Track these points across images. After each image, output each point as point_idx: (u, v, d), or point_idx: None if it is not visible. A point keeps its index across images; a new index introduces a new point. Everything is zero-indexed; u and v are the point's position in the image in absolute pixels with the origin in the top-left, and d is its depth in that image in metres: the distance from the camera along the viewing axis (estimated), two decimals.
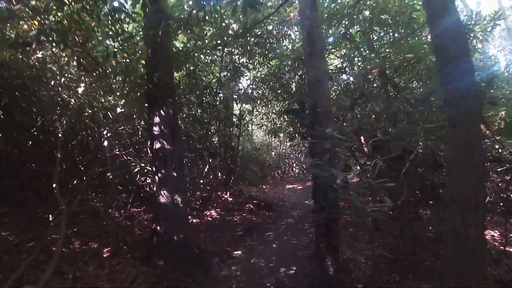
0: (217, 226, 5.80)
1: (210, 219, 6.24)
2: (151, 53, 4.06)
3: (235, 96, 8.80)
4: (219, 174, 8.30)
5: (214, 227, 5.70)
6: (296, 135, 8.07)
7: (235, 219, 6.44)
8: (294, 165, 16.40)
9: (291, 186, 13.56)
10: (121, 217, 5.58)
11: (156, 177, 3.75)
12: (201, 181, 7.41)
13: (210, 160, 7.72)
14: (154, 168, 3.82)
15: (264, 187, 12.95)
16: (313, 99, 3.68)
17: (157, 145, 3.78)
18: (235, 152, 10.20)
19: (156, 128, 3.81)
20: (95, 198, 5.99)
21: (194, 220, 5.93)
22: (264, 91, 9.03)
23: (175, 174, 3.70)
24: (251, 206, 7.39)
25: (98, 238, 4.50)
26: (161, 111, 3.82)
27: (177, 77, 7.22)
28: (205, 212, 6.57)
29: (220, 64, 7.27)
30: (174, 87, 4.52)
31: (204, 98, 7.11)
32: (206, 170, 7.55)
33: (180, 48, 6.27)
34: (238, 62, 7.60)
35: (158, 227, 3.72)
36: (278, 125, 10.36)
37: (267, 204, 7.80)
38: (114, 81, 5.23)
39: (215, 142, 8.78)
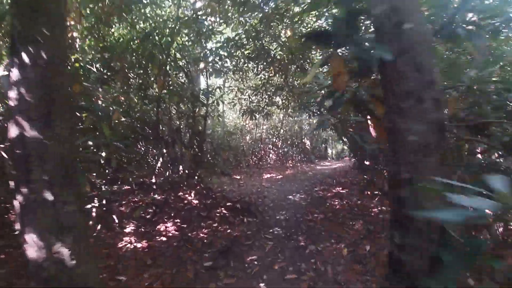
0: (172, 252, 3.87)
1: (164, 238, 4.29)
2: None
3: (201, 67, 6.69)
4: (181, 167, 6.27)
5: (167, 255, 3.76)
6: (293, 110, 6.24)
7: (201, 235, 4.53)
8: (271, 150, 14.65)
9: (268, 175, 11.83)
10: None
11: (17, 199, 1.74)
12: (153, 181, 5.36)
13: (165, 151, 5.65)
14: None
15: (238, 177, 11.11)
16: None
17: (14, 131, 1.74)
18: (202, 137, 8.19)
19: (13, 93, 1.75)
20: None
21: (138, 245, 3.95)
22: (239, 60, 6.99)
23: (48, 192, 1.70)
24: (224, 211, 5.51)
25: None
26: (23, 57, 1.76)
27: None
28: (158, 227, 4.60)
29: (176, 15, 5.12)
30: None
31: (153, 64, 4.96)
32: (160, 164, 5.50)
33: None
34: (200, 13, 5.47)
35: None
36: (255, 104, 8.42)
37: (245, 205, 5.96)
38: None
39: (177, 125, 6.70)
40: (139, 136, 5.18)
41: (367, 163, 7.91)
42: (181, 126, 6.93)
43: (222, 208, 5.57)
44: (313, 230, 4.91)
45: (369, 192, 6.93)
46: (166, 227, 4.66)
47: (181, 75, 5.98)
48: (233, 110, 10.84)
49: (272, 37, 6.08)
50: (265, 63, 6.29)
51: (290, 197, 7.55)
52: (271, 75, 6.95)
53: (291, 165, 15.38)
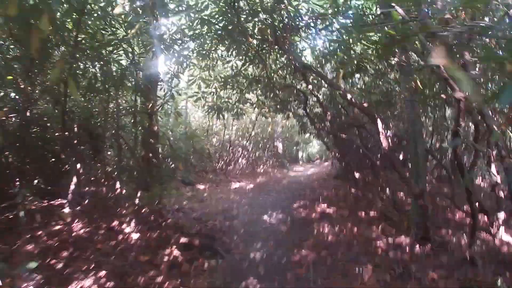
0: None
1: None
2: None
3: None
4: (117, 184, 4.47)
5: None
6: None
7: None
8: (241, 154, 13.06)
9: (238, 184, 10.25)
10: None
11: None
12: (64, 209, 3.53)
13: (89, 161, 3.83)
14: None
15: (202, 187, 9.39)
16: None
17: None
18: (155, 139, 6.39)
19: None
20: None
21: None
22: (207, 42, 5.30)
23: None
24: (176, 251, 3.82)
25: None
26: None
27: None
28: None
29: None
30: None
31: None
32: (77, 180, 3.68)
33: None
34: None
35: None
36: (223, 100, 6.76)
37: (206, 240, 4.32)
38: None
39: (115, 123, 4.87)
40: (40, 141, 3.32)
41: (357, 175, 6.62)
42: (122, 125, 5.12)
43: (174, 247, 3.87)
44: (304, 283, 3.40)
45: (364, 214, 5.60)
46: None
47: (120, 53, 4.17)
48: (197, 107, 9.07)
49: (250, 12, 4.47)
50: (240, 47, 4.68)
51: (266, 218, 6.03)
52: (246, 62, 5.35)
53: (262, 170, 13.92)
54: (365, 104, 3.91)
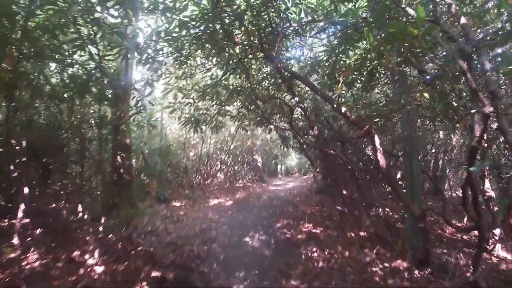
0: None
1: None
2: None
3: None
4: (80, 208, 3.82)
5: None
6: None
7: None
8: (219, 168, 12.50)
9: (216, 200, 9.66)
10: None
11: None
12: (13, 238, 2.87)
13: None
14: None
15: (179, 204, 8.72)
16: None
17: None
18: (128, 154, 5.78)
19: None
20: None
21: None
22: (185, 48, 4.84)
23: None
24: None
25: None
26: None
27: None
28: None
29: None
30: None
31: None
32: (24, 202, 3.03)
33: None
34: None
35: None
36: (201, 112, 6.27)
37: (183, 270, 3.74)
38: None
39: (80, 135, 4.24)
40: None
41: (344, 192, 6.31)
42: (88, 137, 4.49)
43: (144, 283, 3.26)
44: None
45: (353, 235, 5.25)
46: None
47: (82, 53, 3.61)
48: (173, 119, 8.49)
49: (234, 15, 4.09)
50: (222, 53, 4.25)
51: (247, 240, 5.52)
52: (227, 71, 4.92)
53: (241, 185, 13.38)
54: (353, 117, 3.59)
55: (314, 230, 5.72)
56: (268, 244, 5.22)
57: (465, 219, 5.72)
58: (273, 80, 5.65)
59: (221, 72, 5.44)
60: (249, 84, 5.16)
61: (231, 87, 5.89)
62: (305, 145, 6.49)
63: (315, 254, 4.57)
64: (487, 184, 4.59)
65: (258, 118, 7.29)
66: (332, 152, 4.84)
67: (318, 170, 9.03)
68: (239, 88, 5.91)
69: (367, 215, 5.95)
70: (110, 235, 4.08)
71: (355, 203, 6.28)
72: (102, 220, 3.87)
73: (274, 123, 7.54)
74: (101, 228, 3.76)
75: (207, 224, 6.60)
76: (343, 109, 3.40)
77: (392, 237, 4.80)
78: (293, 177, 20.53)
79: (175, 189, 10.41)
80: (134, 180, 8.13)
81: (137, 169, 9.12)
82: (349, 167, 5.82)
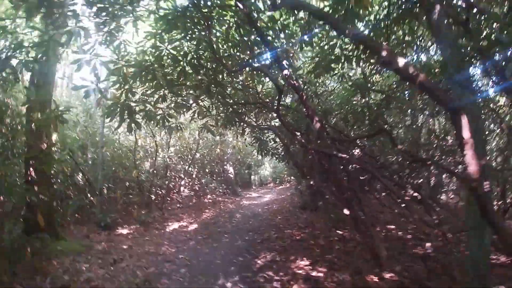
0: None
1: None
2: None
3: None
4: None
5: None
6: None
7: None
8: (182, 182, 10.35)
9: (176, 224, 7.54)
10: None
11: None
12: None
13: None
14: None
15: (126, 232, 6.49)
16: None
17: None
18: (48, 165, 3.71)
19: None
20: None
21: None
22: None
23: None
24: None
25: None
26: None
27: None
28: None
29: None
30: None
31: None
32: None
33: None
34: None
35: None
36: (140, 97, 4.22)
37: None
38: None
39: None
40: None
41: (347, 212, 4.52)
42: None
43: None
44: None
45: (375, 279, 3.46)
46: None
47: None
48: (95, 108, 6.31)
49: None
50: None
51: None
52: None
53: (210, 200, 11.28)
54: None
55: (314, 273, 3.84)
56: None
57: None
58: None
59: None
60: (212, 53, 3.25)
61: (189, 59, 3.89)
62: (302, 146, 4.64)
63: None
64: None
65: (229, 114, 5.42)
66: (343, 155, 3.05)
67: (304, 180, 7.25)
68: (197, 62, 3.93)
69: (380, 240, 4.20)
70: None
71: (365, 226, 4.51)
72: None
73: (248, 121, 5.69)
74: None
75: (156, 266, 4.50)
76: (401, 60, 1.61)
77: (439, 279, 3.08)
78: (268, 188, 18.77)
79: (124, 211, 8.12)
80: (55, 200, 5.87)
81: (65, 183, 6.80)
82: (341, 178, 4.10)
